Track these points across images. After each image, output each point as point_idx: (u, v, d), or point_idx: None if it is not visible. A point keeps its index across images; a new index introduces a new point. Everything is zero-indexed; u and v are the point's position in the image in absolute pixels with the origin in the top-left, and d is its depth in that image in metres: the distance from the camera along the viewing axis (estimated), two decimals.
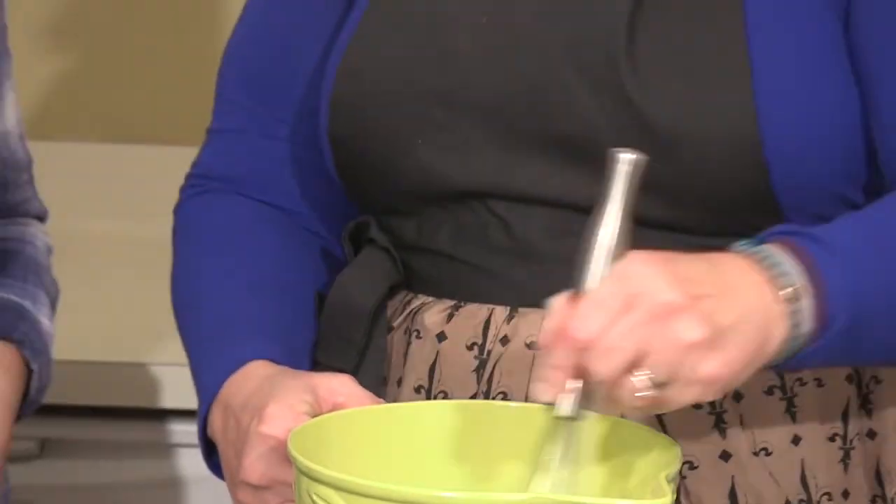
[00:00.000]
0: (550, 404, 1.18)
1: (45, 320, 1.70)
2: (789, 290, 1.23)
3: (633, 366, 1.15)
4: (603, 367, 1.14)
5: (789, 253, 1.26)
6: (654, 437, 1.25)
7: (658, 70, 1.40)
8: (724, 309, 1.20)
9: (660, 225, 1.35)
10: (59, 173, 2.02)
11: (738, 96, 1.38)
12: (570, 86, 1.40)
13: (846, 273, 1.28)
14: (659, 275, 1.18)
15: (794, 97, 1.40)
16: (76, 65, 2.73)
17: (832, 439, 1.40)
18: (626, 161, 1.21)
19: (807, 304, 1.23)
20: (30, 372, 1.65)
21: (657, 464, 1.19)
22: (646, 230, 1.31)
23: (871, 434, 1.42)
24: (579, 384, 1.16)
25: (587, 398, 1.18)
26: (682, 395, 1.17)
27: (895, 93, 1.42)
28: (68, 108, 2.69)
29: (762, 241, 1.28)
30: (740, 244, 1.29)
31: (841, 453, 1.40)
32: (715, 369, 1.17)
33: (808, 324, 1.23)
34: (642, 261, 1.19)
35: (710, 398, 1.21)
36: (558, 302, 1.18)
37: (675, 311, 1.16)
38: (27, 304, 1.69)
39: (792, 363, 1.26)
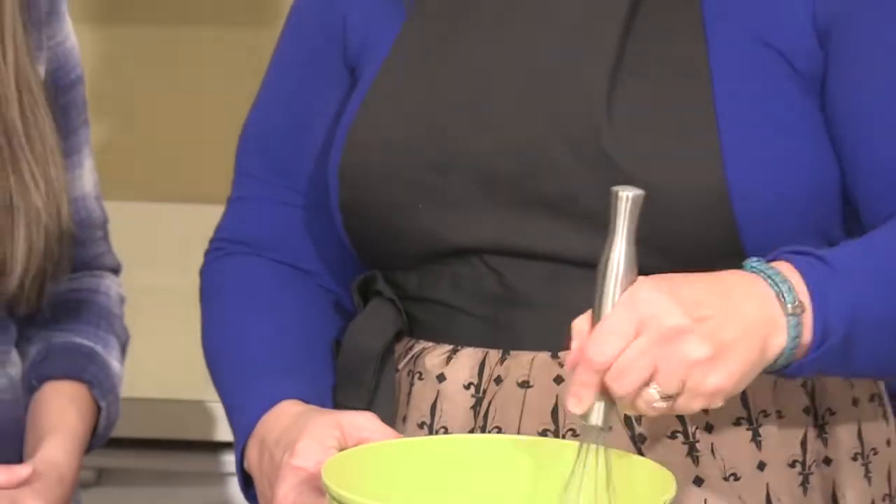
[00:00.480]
0: (581, 415, 1.25)
1: (114, 363, 1.76)
2: (792, 304, 1.29)
3: (646, 382, 1.22)
4: (620, 387, 1.22)
5: (795, 271, 1.31)
6: (653, 467, 1.30)
7: (634, 132, 1.45)
8: (726, 327, 1.25)
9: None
10: (130, 230, 2.06)
11: (707, 156, 1.43)
12: (555, 151, 1.45)
13: (845, 292, 1.33)
14: (666, 299, 1.24)
15: (759, 156, 1.45)
16: (135, 131, 2.74)
17: (793, 465, 1.45)
18: (627, 197, 1.27)
19: (808, 318, 1.29)
20: (99, 409, 1.72)
21: (656, 490, 1.25)
22: None
23: (827, 461, 1.47)
24: (602, 400, 1.24)
25: (610, 409, 1.25)
26: (692, 404, 1.24)
27: (879, 162, 1.48)
28: (121, 171, 2.67)
29: (772, 260, 1.33)
30: (751, 261, 1.33)
31: (801, 478, 1.45)
32: (719, 382, 1.24)
33: (807, 335, 1.29)
34: (650, 286, 1.25)
35: (718, 405, 1.27)
36: (579, 324, 1.25)
37: (681, 333, 1.22)
38: (98, 348, 1.75)
39: (790, 370, 1.32)
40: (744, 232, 1.42)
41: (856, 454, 1.50)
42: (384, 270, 1.55)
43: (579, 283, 1.41)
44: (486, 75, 1.52)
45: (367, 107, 1.55)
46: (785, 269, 1.31)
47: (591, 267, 1.32)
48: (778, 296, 1.29)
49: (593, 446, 1.27)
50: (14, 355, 1.75)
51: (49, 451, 1.65)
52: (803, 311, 1.29)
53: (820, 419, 1.48)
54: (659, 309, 1.24)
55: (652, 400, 1.23)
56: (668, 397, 1.24)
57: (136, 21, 2.80)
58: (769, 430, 1.45)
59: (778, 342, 1.29)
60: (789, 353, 1.29)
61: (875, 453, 1.53)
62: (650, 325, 1.23)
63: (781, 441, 1.45)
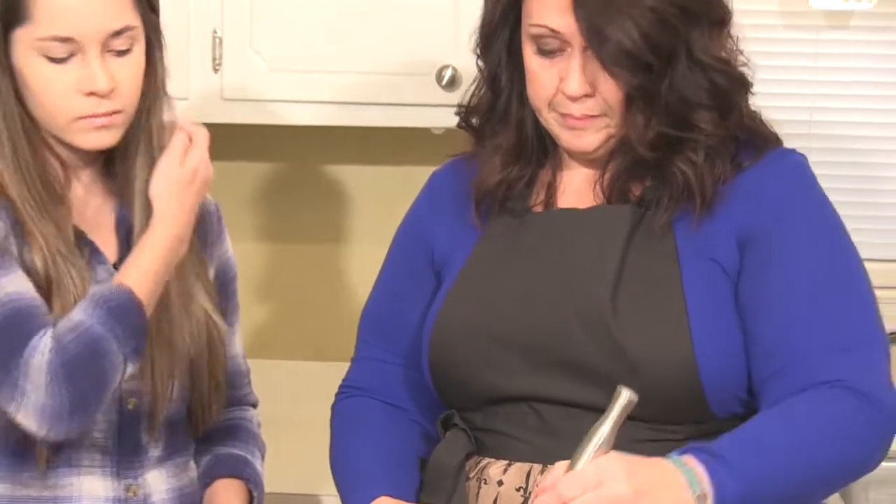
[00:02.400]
0: None
1: (259, 468, 1.91)
2: (697, 492, 1.45)
3: None
4: None
5: (699, 466, 1.46)
6: None
7: (630, 320, 1.62)
8: (656, 501, 1.42)
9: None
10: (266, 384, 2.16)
11: (681, 340, 1.61)
12: (575, 334, 1.64)
13: (735, 478, 1.47)
14: (622, 473, 1.41)
15: (716, 339, 1.62)
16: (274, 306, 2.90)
17: None
18: (625, 396, 1.44)
19: (709, 500, 1.45)
20: (251, 497, 1.87)
21: None
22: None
23: None
24: None
25: None
26: None
27: (755, 352, 1.63)
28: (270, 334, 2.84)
29: (683, 454, 1.48)
30: (672, 455, 1.48)
31: None
32: None
33: None
34: (616, 459, 1.42)
35: None
36: (558, 467, 1.44)
37: (623, 499, 1.41)
38: (249, 457, 1.91)
39: None
40: (707, 390, 1.60)
41: None
42: (458, 410, 1.73)
43: (588, 421, 1.51)
44: (528, 283, 1.69)
45: (450, 301, 1.74)
46: (694, 465, 1.45)
47: (596, 411, 1.52)
48: (689, 485, 1.44)
49: None
50: (192, 463, 1.89)
51: None
52: (706, 499, 1.45)
53: None
54: (614, 476, 1.41)
55: None
56: None
57: (275, 239, 2.91)
58: None
59: None
60: None
61: None
62: (604, 485, 1.40)
63: None
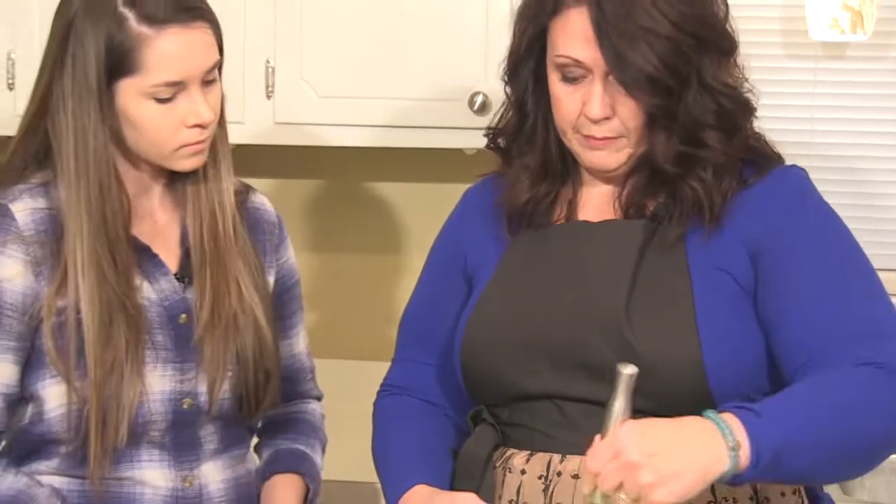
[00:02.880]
0: (586, 494, 1.47)
1: (318, 460, 1.91)
2: (732, 442, 1.44)
3: (618, 488, 1.43)
4: (602, 485, 1.44)
5: (736, 419, 1.45)
6: None
7: (643, 326, 1.63)
8: (671, 462, 1.42)
9: (637, 411, 1.52)
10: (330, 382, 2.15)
11: (690, 343, 1.61)
12: (593, 338, 1.64)
13: (770, 432, 1.45)
14: (631, 441, 1.43)
15: (722, 345, 1.61)
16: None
17: None
18: (627, 371, 1.48)
19: (744, 451, 1.44)
20: (307, 492, 1.87)
21: None
22: (632, 413, 1.52)
23: None
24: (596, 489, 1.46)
25: (605, 496, 1.46)
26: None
27: (782, 350, 1.61)
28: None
29: (720, 412, 1.47)
30: (707, 412, 1.47)
31: None
32: (661, 497, 1.42)
33: (742, 461, 1.44)
34: (629, 428, 1.45)
35: None
36: (596, 440, 1.47)
37: (636, 466, 1.42)
38: (308, 451, 1.90)
39: (733, 481, 1.46)
40: (713, 388, 1.60)
41: None
42: (487, 406, 1.74)
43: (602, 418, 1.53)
44: (551, 291, 1.70)
45: (480, 307, 1.74)
46: (728, 418, 1.46)
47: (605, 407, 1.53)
48: (723, 436, 1.44)
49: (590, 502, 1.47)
50: (251, 455, 1.90)
51: None
52: (740, 447, 1.44)
53: (760, 502, 1.64)
54: (627, 445, 1.42)
55: (621, 500, 1.44)
56: (632, 499, 1.43)
57: (321, 249, 2.90)
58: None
59: (721, 467, 1.44)
60: (732, 473, 1.44)
61: None
62: (620, 455, 1.42)
63: None
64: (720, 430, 1.45)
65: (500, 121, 1.81)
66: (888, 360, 1.55)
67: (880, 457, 1.57)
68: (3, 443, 1.78)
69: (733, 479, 1.46)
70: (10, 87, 2.52)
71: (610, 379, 1.59)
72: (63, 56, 1.67)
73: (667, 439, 1.45)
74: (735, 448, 1.45)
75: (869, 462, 1.58)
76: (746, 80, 1.72)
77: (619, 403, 1.48)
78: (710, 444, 1.45)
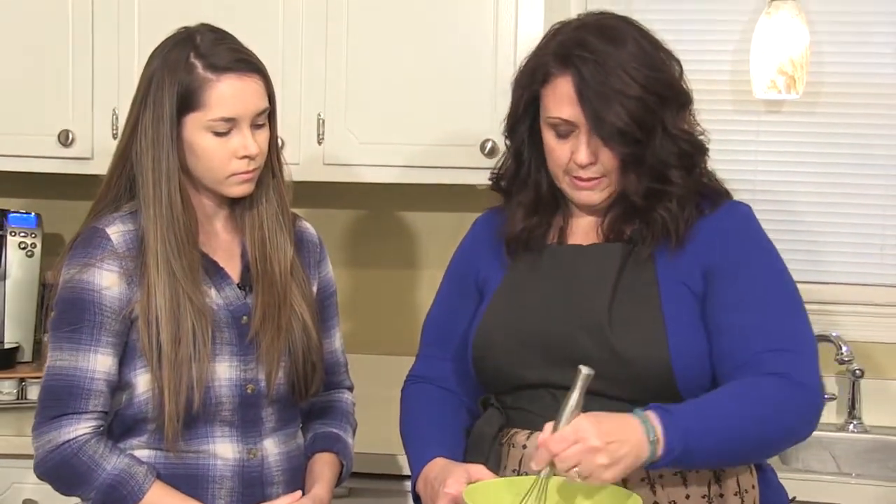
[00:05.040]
0: (536, 473, 1.46)
1: (350, 441, 1.90)
2: (650, 437, 1.46)
3: (573, 467, 1.43)
4: (560, 465, 1.44)
5: (654, 419, 1.47)
6: (624, 492, 1.48)
7: (621, 328, 1.61)
8: (621, 448, 1.44)
9: (613, 397, 1.57)
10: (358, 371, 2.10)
11: (660, 343, 1.60)
12: (579, 336, 1.63)
13: (679, 431, 1.47)
14: (594, 430, 1.43)
15: (685, 343, 1.60)
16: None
17: (703, 497, 1.62)
18: (584, 372, 1.46)
19: (658, 445, 1.46)
20: (341, 467, 1.86)
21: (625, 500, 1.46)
22: (605, 399, 1.57)
23: (721, 495, 1.62)
24: (549, 467, 1.45)
25: (552, 469, 1.45)
26: (595, 482, 1.44)
27: (717, 352, 1.60)
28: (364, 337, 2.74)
29: (644, 410, 1.48)
30: (636, 410, 1.49)
31: (706, 501, 1.62)
32: (610, 475, 1.44)
33: (659, 452, 1.46)
34: (586, 419, 1.44)
35: (610, 483, 1.44)
36: (545, 429, 1.45)
37: (596, 450, 1.42)
38: (341, 433, 1.89)
39: (651, 467, 1.48)
40: (677, 378, 1.59)
41: (736, 492, 1.64)
42: (494, 393, 1.73)
43: (589, 403, 1.51)
44: (545, 301, 1.68)
45: (488, 313, 1.74)
46: (651, 416, 1.47)
47: (597, 395, 1.54)
48: (645, 431, 1.46)
49: (543, 479, 1.46)
50: (300, 434, 1.88)
51: (316, 490, 1.79)
52: (658, 441, 1.46)
53: (717, 475, 1.63)
54: (588, 433, 1.42)
55: (574, 476, 1.44)
56: (582, 477, 1.44)
57: (359, 266, 2.85)
58: (691, 478, 1.61)
59: (645, 455, 1.46)
60: (651, 460, 1.46)
61: (746, 492, 1.65)
62: (581, 440, 1.42)
63: (698, 484, 1.62)
64: (643, 426, 1.46)
65: (501, 166, 1.80)
66: (792, 372, 1.54)
67: (776, 450, 1.59)
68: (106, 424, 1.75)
69: (651, 466, 1.47)
70: (115, 136, 2.49)
71: (595, 372, 1.54)
72: (146, 97, 1.70)
73: (614, 430, 1.44)
74: (654, 442, 1.45)
75: (765, 455, 1.60)
76: (699, 124, 1.70)
77: (575, 398, 1.45)
78: (639, 436, 1.45)
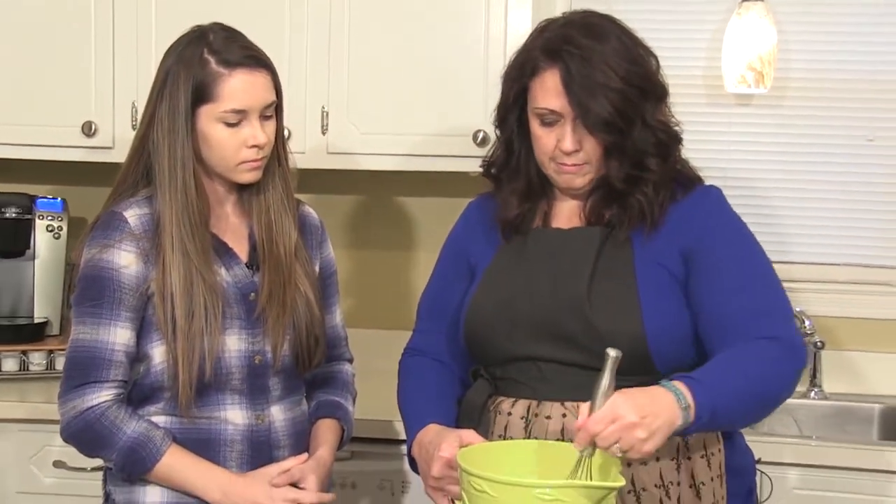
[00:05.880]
0: (581, 451, 1.43)
1: (350, 408, 1.89)
2: (684, 404, 1.45)
3: (613, 444, 1.40)
4: (600, 443, 1.41)
5: (682, 387, 1.45)
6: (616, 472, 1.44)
7: (600, 305, 1.61)
8: (656, 421, 1.41)
9: (592, 368, 1.49)
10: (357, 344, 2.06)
11: (635, 319, 1.60)
12: (562, 313, 1.63)
13: (707, 395, 1.46)
14: (629, 406, 1.40)
15: (659, 319, 1.60)
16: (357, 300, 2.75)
17: (672, 459, 1.62)
18: (614, 354, 1.42)
19: (690, 411, 1.45)
20: (343, 432, 1.86)
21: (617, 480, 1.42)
22: (585, 371, 1.57)
23: (688, 458, 1.62)
24: (592, 446, 1.42)
25: (594, 448, 1.42)
26: (636, 455, 1.42)
27: (707, 324, 1.60)
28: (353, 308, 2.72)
29: (671, 380, 1.46)
30: (664, 382, 1.46)
31: (675, 464, 1.62)
32: (650, 447, 1.42)
33: (690, 418, 1.45)
34: (621, 397, 1.41)
35: (649, 455, 1.43)
36: (583, 408, 1.41)
37: (634, 426, 1.40)
38: (342, 401, 1.89)
39: (684, 433, 1.47)
40: (651, 352, 1.59)
41: (702, 455, 1.64)
42: (484, 365, 1.73)
43: (569, 374, 1.60)
44: (531, 279, 1.68)
45: (479, 291, 1.73)
46: (679, 385, 1.46)
47: (577, 367, 1.55)
48: (677, 400, 1.44)
49: (586, 458, 1.43)
50: (304, 402, 1.87)
51: (320, 453, 1.79)
52: (690, 407, 1.45)
53: (685, 440, 1.62)
54: (624, 411, 1.40)
55: (615, 452, 1.42)
56: (622, 451, 1.42)
57: (360, 247, 2.83)
58: (664, 451, 1.59)
59: (678, 424, 1.44)
60: (683, 427, 1.45)
61: (713, 455, 1.65)
62: (619, 418, 1.39)
63: (668, 448, 1.59)
64: (675, 396, 1.44)
65: (492, 155, 1.78)
66: (780, 334, 1.55)
67: (775, 406, 1.58)
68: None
69: (684, 432, 1.46)
70: (133, 126, 2.49)
71: (576, 346, 1.59)
72: (163, 90, 1.69)
73: (648, 404, 1.42)
74: (686, 409, 1.44)
75: (769, 411, 1.60)
76: (673, 116, 1.69)
77: (606, 380, 1.42)
78: (672, 405, 1.43)
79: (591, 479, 1.43)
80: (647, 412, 1.41)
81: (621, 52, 1.61)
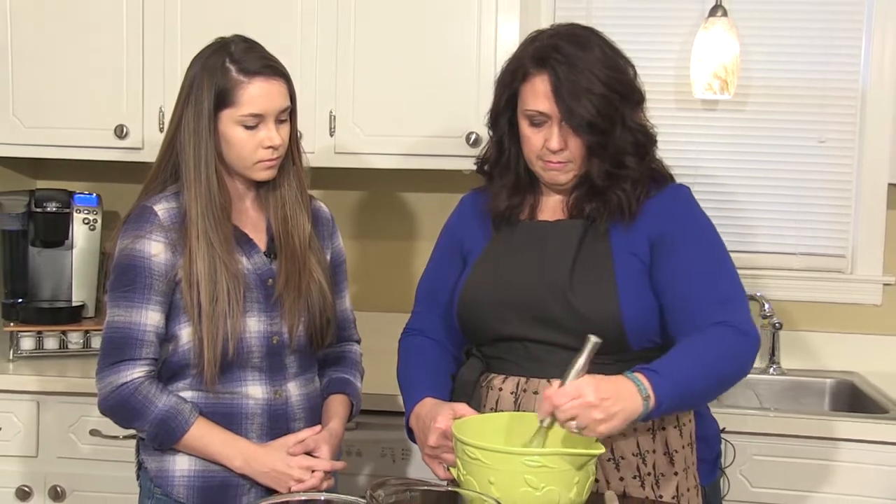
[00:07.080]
0: (541, 420, 1.43)
1: (358, 384, 1.87)
2: (644, 394, 1.43)
3: (572, 419, 1.39)
4: (559, 416, 1.40)
5: (644, 378, 1.44)
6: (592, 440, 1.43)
7: (581, 291, 1.60)
8: (615, 406, 1.40)
9: (573, 348, 1.48)
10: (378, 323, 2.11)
11: (612, 303, 1.59)
12: (546, 298, 1.62)
13: (666, 384, 1.44)
14: (591, 388, 1.39)
15: (634, 303, 1.59)
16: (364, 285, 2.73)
17: (648, 430, 1.61)
18: (593, 340, 1.42)
19: (651, 400, 1.43)
20: (352, 406, 1.85)
21: (594, 446, 1.41)
22: (565, 350, 1.56)
23: (663, 428, 1.63)
24: (551, 417, 1.41)
25: (553, 420, 1.41)
26: (590, 434, 1.41)
27: (670, 309, 1.57)
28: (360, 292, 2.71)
29: (633, 372, 1.44)
30: (627, 372, 1.44)
31: (650, 434, 1.62)
32: (604, 429, 1.40)
33: (650, 406, 1.43)
34: (588, 380, 1.40)
35: (605, 437, 1.42)
36: (555, 383, 1.42)
37: (592, 405, 1.39)
38: (351, 378, 1.87)
39: (645, 418, 1.45)
40: (627, 333, 1.58)
41: (675, 425, 1.64)
42: (476, 344, 1.72)
43: (554, 353, 1.59)
44: (519, 267, 1.67)
45: (471, 277, 1.72)
46: (641, 377, 1.44)
47: (561, 347, 1.53)
48: (639, 390, 1.43)
49: (546, 427, 1.43)
50: (317, 379, 1.84)
51: (332, 425, 1.78)
52: (650, 398, 1.43)
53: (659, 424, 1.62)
54: (587, 391, 1.39)
55: (571, 427, 1.40)
56: (579, 429, 1.40)
57: (365, 238, 2.80)
58: (641, 428, 1.60)
59: (639, 411, 1.43)
60: (645, 413, 1.43)
61: (684, 425, 1.65)
62: (581, 397, 1.39)
63: (647, 425, 1.61)
64: (637, 386, 1.43)
65: (485, 153, 1.77)
66: (734, 321, 1.52)
67: (730, 386, 1.55)
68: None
69: (647, 417, 1.45)
70: (161, 129, 2.49)
71: (559, 328, 1.58)
72: (189, 96, 1.68)
73: (610, 389, 1.40)
74: (647, 398, 1.42)
75: (723, 390, 1.56)
76: (648, 119, 1.68)
77: (582, 361, 1.42)
78: (633, 394, 1.42)
79: (544, 447, 1.41)
80: (608, 396, 1.39)
81: (603, 61, 1.60)
